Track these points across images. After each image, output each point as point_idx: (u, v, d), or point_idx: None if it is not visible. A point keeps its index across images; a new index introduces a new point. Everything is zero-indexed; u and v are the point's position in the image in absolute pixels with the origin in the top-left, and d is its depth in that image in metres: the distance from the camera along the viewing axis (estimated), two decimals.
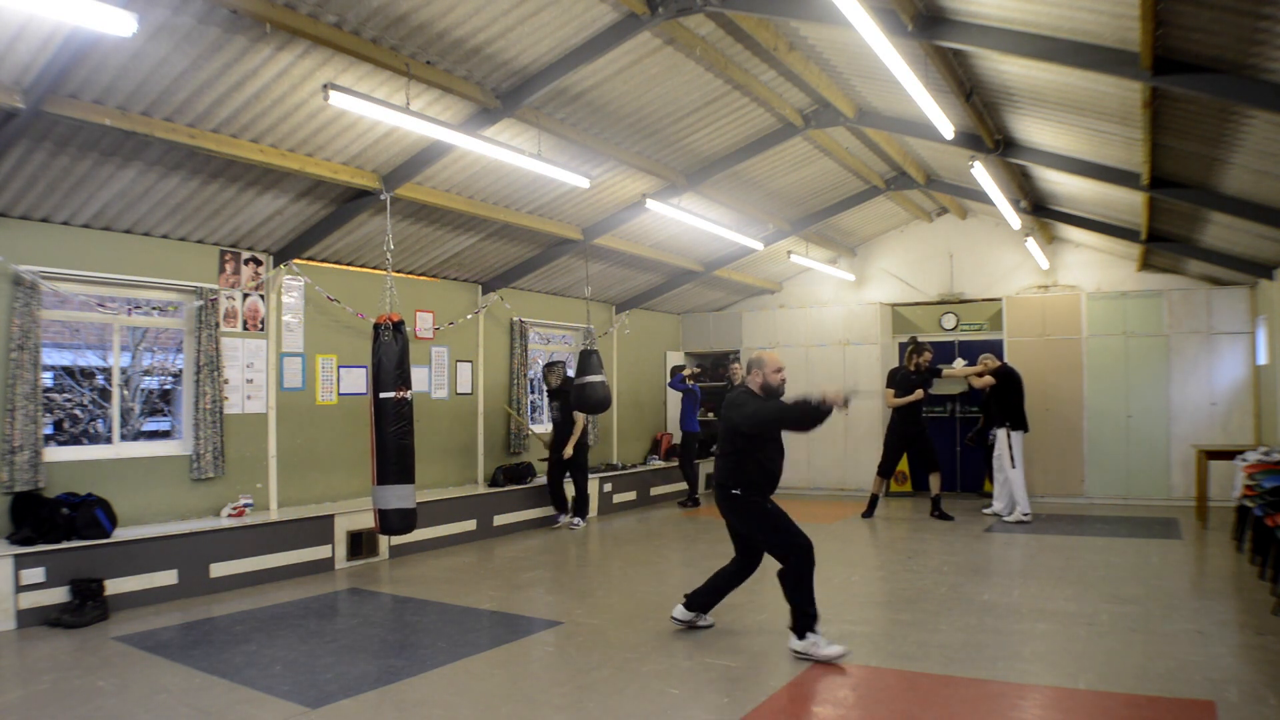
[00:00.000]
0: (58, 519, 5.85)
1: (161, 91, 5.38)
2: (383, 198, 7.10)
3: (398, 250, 8.28)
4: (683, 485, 12.24)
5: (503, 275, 9.92)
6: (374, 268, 8.55)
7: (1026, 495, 9.56)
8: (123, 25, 4.05)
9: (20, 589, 5.56)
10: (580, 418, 9.47)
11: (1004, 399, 9.75)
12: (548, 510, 9.81)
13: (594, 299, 11.57)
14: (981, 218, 12.02)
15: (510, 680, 4.58)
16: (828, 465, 12.35)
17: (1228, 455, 8.97)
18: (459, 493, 8.96)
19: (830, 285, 13.15)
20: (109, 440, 6.89)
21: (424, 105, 6.28)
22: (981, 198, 9.69)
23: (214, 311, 7.23)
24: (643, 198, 8.71)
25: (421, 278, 9.30)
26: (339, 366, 8.31)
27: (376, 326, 6.55)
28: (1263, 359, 9.87)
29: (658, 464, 12.13)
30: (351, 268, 8.49)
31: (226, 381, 7.37)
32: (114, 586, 5.96)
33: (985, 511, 10.03)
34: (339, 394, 8.30)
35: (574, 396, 9.39)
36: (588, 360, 9.63)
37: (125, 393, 11.51)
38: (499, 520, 9.19)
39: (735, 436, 5.11)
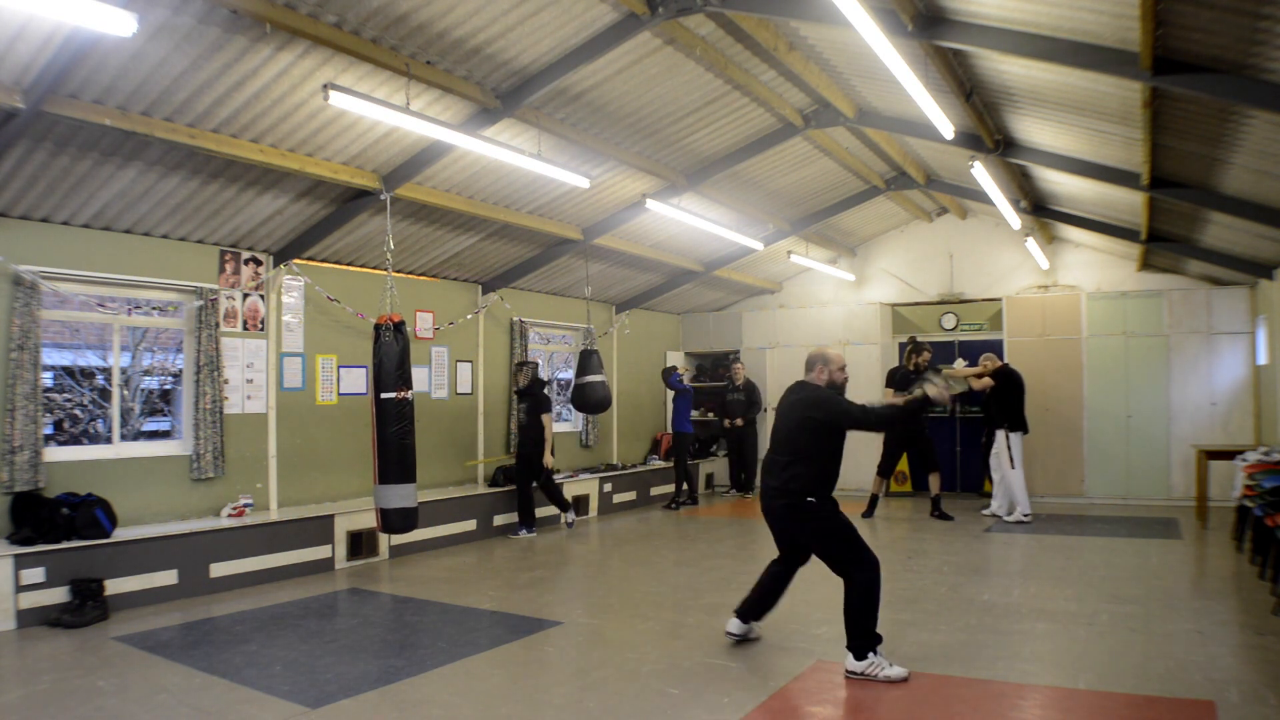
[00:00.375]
0: (58, 519, 5.85)
1: (161, 91, 5.38)
2: (383, 198, 7.10)
3: (398, 250, 8.28)
4: (663, 489, 12.24)
5: (503, 275, 9.92)
6: (374, 268, 8.55)
7: (1026, 495, 9.55)
8: (123, 25, 4.05)
9: (20, 589, 5.56)
10: (549, 421, 8.99)
11: (1003, 400, 9.74)
12: (549, 510, 9.80)
13: (594, 299, 11.57)
14: (981, 218, 12.02)
15: (510, 680, 4.58)
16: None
17: (1228, 455, 8.97)
18: (459, 493, 8.96)
19: (830, 285, 13.15)
20: (109, 440, 6.89)
21: (424, 105, 6.28)
22: (981, 198, 9.69)
23: (214, 311, 7.23)
24: (643, 198, 8.71)
25: (421, 278, 9.30)
26: (339, 366, 8.31)
27: (377, 327, 6.56)
28: (1263, 359, 9.86)
29: (658, 464, 12.13)
30: (351, 268, 8.49)
31: (226, 381, 7.37)
32: (114, 586, 5.96)
33: (984, 512, 10.02)
34: (339, 394, 8.30)
35: (573, 396, 9.38)
36: (587, 360, 9.63)
37: (125, 393, 11.52)
38: (499, 520, 9.18)
39: (817, 437, 4.64)
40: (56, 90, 5.02)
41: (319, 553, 7.35)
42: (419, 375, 9.10)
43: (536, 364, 9.65)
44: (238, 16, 4.86)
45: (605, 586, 6.90)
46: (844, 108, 7.79)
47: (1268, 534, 6.12)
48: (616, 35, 5.90)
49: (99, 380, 12.72)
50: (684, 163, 8.63)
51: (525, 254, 9.64)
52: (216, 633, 5.47)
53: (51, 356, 11.92)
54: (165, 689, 4.38)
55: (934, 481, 9.94)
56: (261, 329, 7.69)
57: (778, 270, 13.08)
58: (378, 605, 6.26)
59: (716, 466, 13.23)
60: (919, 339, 10.83)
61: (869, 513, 10.00)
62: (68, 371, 12.81)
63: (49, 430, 10.19)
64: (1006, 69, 6.14)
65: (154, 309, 7.26)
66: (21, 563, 5.58)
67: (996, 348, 11.42)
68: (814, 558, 4.94)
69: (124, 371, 11.46)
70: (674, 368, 11.82)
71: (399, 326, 6.58)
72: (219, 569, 6.62)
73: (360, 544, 7.64)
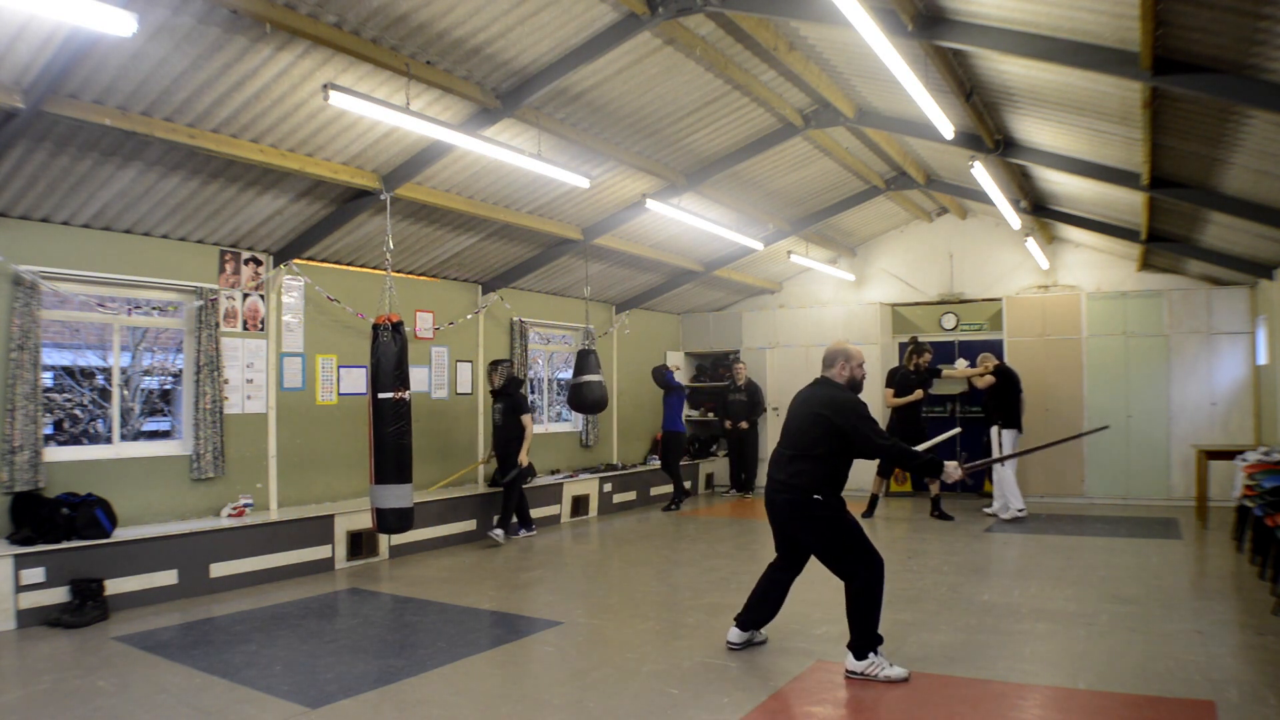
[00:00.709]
0: (58, 519, 5.85)
1: (161, 91, 5.38)
2: (383, 198, 7.10)
3: (398, 250, 8.28)
4: (664, 489, 12.29)
5: (503, 275, 9.91)
6: (374, 268, 8.55)
7: (1018, 491, 9.59)
8: (123, 25, 4.05)
9: (20, 589, 5.56)
10: (529, 422, 8.70)
11: (1000, 398, 9.77)
12: (549, 509, 9.81)
13: (594, 299, 11.57)
14: (981, 218, 12.02)
15: (510, 680, 4.58)
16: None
17: (1228, 455, 8.97)
18: (459, 493, 8.95)
19: (830, 285, 13.15)
20: (109, 440, 6.89)
21: (424, 105, 6.28)
22: (981, 198, 9.69)
23: (214, 311, 7.23)
24: (643, 198, 8.71)
25: (421, 278, 9.30)
26: (339, 366, 8.31)
27: (375, 327, 6.55)
28: (1263, 359, 9.86)
29: (658, 464, 12.10)
30: (351, 268, 8.49)
31: (226, 381, 7.37)
32: (114, 586, 5.96)
33: (985, 511, 10.04)
34: (339, 394, 8.30)
35: (570, 396, 9.38)
36: (585, 360, 9.63)
37: (125, 393, 11.52)
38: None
39: (829, 437, 4.58)
40: (56, 90, 5.01)
41: (319, 553, 7.35)
42: (419, 375, 9.11)
43: (511, 363, 9.34)
44: (238, 16, 4.86)
45: (605, 586, 6.90)
46: (844, 108, 7.79)
47: (1268, 534, 6.12)
48: (616, 35, 5.90)
49: (99, 380, 12.73)
50: (684, 163, 8.63)
51: (525, 254, 9.64)
52: (216, 633, 5.47)
53: (51, 356, 11.93)
54: (165, 689, 4.38)
55: (933, 482, 9.92)
56: (261, 329, 7.69)
57: (778, 270, 13.08)
58: (378, 605, 6.26)
59: (717, 466, 13.23)
60: (919, 339, 10.82)
61: (869, 513, 9.99)
62: (68, 371, 12.81)
63: (49, 430, 10.19)
64: (1006, 69, 6.14)
65: (154, 309, 7.26)
66: (21, 563, 5.58)
67: (996, 348, 11.44)
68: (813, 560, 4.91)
69: (124, 371, 11.46)
70: (664, 365, 11.78)
71: (397, 326, 6.58)
72: (219, 569, 6.62)
73: (360, 544, 7.64)
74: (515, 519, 8.93)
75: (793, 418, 4.82)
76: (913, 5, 5.24)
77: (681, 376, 12.56)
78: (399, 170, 7.04)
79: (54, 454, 6.38)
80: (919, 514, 10.24)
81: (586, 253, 9.98)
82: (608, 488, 10.95)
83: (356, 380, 8.40)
